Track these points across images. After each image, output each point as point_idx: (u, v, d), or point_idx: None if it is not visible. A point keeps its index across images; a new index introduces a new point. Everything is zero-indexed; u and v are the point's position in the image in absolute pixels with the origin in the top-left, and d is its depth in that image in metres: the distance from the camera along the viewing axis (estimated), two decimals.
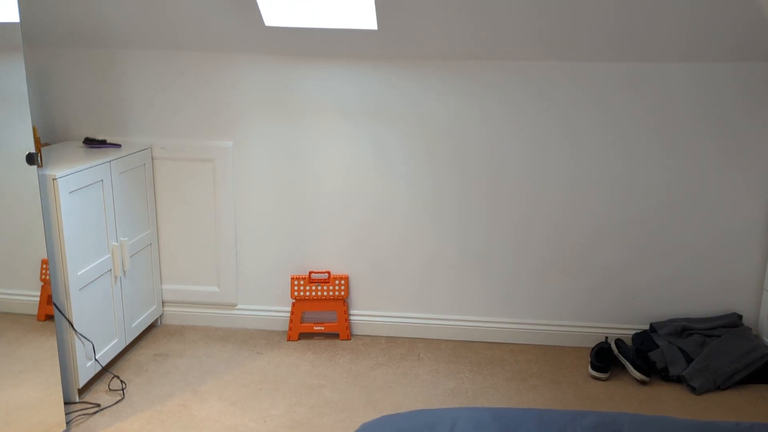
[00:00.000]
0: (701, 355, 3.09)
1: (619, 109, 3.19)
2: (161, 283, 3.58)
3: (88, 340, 2.92)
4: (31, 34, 3.25)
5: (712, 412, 2.90)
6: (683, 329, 3.24)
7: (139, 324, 3.35)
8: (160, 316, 3.61)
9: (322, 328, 3.50)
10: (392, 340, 3.51)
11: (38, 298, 2.87)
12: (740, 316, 3.31)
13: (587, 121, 3.21)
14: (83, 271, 2.88)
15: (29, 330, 2.89)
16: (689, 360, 3.11)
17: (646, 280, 3.37)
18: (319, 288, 3.47)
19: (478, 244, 3.41)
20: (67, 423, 2.75)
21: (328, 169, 3.39)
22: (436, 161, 3.32)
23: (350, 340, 3.51)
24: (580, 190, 3.30)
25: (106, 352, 3.08)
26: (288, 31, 3.10)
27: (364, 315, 3.55)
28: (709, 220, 3.28)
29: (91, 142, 3.27)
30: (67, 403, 2.84)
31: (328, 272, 3.49)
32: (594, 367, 3.16)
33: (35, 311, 2.88)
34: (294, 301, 3.48)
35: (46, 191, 2.67)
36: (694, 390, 3.03)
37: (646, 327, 3.40)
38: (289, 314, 3.55)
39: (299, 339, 3.49)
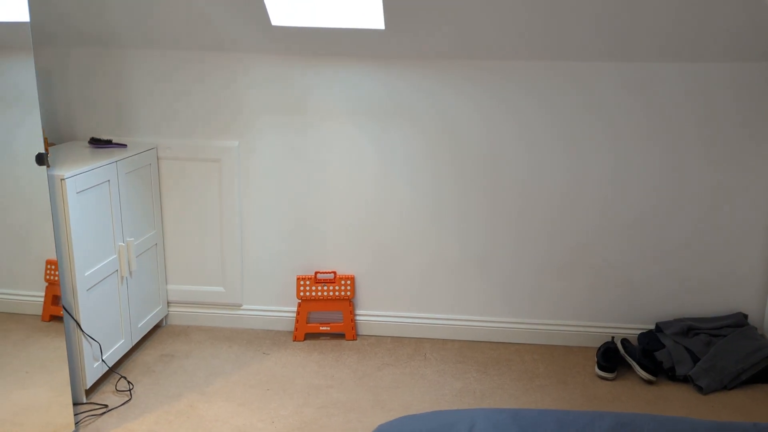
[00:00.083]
0: (708, 354, 3.10)
1: (623, 109, 3.19)
2: (166, 284, 3.57)
3: (96, 340, 2.92)
4: (35, 33, 3.24)
5: (719, 412, 2.91)
6: (689, 329, 3.25)
7: (145, 324, 3.35)
8: (166, 316, 3.60)
9: (328, 329, 3.49)
10: (398, 340, 3.51)
11: (43, 299, 2.86)
12: (746, 316, 3.32)
13: (592, 122, 3.21)
14: (90, 272, 2.88)
15: (34, 330, 2.89)
16: (696, 360, 3.11)
17: (651, 279, 3.38)
18: (325, 288, 3.47)
19: (485, 243, 3.41)
20: (76, 424, 2.74)
21: (334, 169, 3.38)
22: (442, 161, 3.32)
23: (356, 340, 3.50)
24: (586, 190, 3.30)
25: (113, 353, 3.07)
26: (295, 31, 3.09)
27: (370, 315, 3.54)
28: (714, 219, 3.28)
29: (97, 142, 3.26)
30: (74, 404, 2.83)
31: (334, 272, 3.49)
32: (601, 367, 3.16)
33: (40, 312, 2.87)
34: (300, 301, 3.47)
35: (53, 192, 2.66)
36: (700, 390, 3.03)
37: (652, 327, 3.41)
38: (294, 314, 3.54)
39: (305, 339, 3.49)
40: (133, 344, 3.26)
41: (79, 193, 2.76)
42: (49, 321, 2.87)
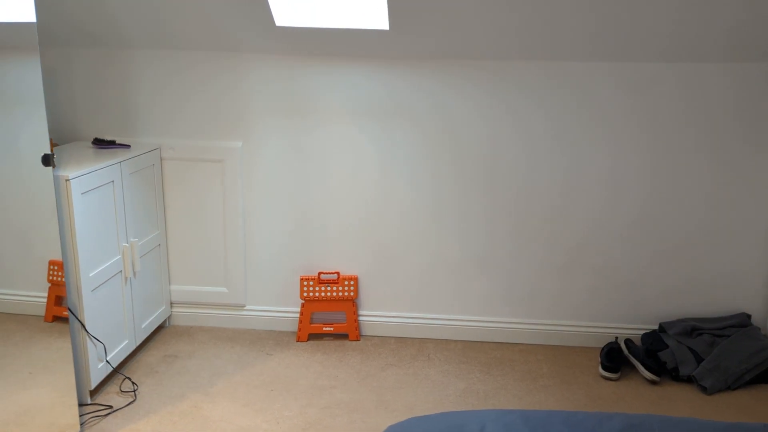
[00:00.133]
0: (711, 355, 3.10)
1: (623, 110, 3.19)
2: (169, 284, 3.57)
3: (100, 341, 2.91)
4: (40, 33, 3.23)
5: (724, 412, 2.91)
6: (692, 329, 3.26)
7: (148, 325, 3.35)
8: (169, 317, 3.60)
9: (332, 329, 3.49)
10: (401, 341, 3.51)
11: (46, 300, 2.86)
12: (749, 316, 3.32)
13: (593, 122, 3.22)
14: (95, 273, 2.87)
15: (37, 331, 2.89)
16: (699, 360, 3.12)
17: (654, 279, 3.38)
18: (329, 289, 3.47)
19: (487, 243, 3.42)
20: (81, 425, 2.74)
21: (337, 169, 3.39)
22: (445, 162, 3.33)
23: (359, 340, 3.51)
24: (587, 190, 3.30)
25: (117, 354, 3.07)
26: (298, 31, 3.09)
27: (373, 315, 3.55)
28: (717, 219, 3.29)
29: (101, 143, 3.26)
30: (79, 404, 2.82)
31: (337, 273, 3.49)
32: (604, 367, 3.17)
33: (42, 312, 2.87)
34: (303, 301, 3.47)
35: (59, 192, 2.65)
36: (704, 390, 3.04)
37: (655, 327, 3.41)
38: (297, 315, 3.54)
39: (308, 340, 3.49)
40: (137, 345, 3.26)
41: (84, 194, 2.76)
42: (52, 322, 2.88)
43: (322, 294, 3.47)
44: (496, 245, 3.41)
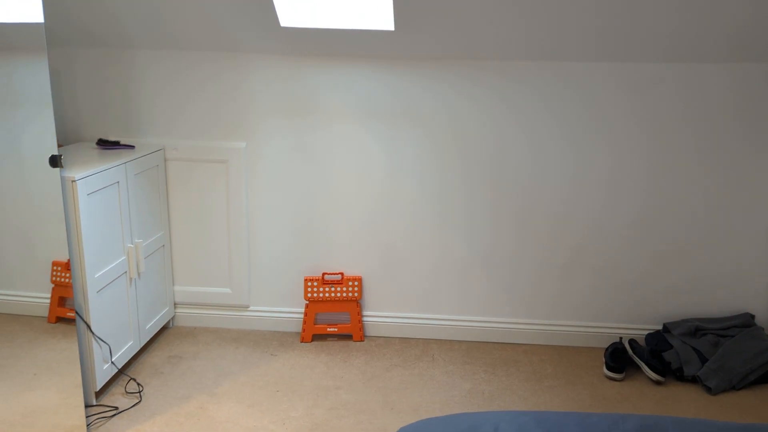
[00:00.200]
0: (716, 355, 3.11)
1: (627, 110, 3.20)
2: (173, 285, 3.56)
3: (105, 342, 2.91)
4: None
5: (729, 412, 2.92)
6: (697, 329, 3.26)
7: (152, 326, 3.34)
8: (172, 317, 3.59)
9: (336, 330, 3.49)
10: (406, 341, 3.51)
11: (49, 300, 2.86)
12: (753, 316, 3.33)
13: (598, 123, 3.22)
14: (100, 274, 2.87)
15: (41, 332, 2.88)
16: (703, 360, 3.13)
17: (659, 280, 3.39)
18: (333, 289, 3.47)
19: (491, 244, 3.42)
20: (87, 426, 2.73)
21: (341, 170, 3.38)
22: (449, 162, 3.33)
23: (363, 341, 3.50)
24: (590, 191, 3.31)
25: (122, 355, 3.06)
26: (303, 32, 3.09)
27: (377, 316, 3.55)
28: (720, 219, 3.29)
29: (105, 144, 3.25)
30: (84, 405, 2.82)
31: (341, 273, 3.49)
32: (609, 368, 3.17)
33: (46, 313, 2.86)
34: (307, 302, 3.47)
35: (65, 193, 2.65)
36: (709, 390, 3.05)
37: (659, 327, 3.42)
38: (301, 315, 3.54)
39: (312, 340, 3.49)
40: (141, 346, 3.25)
41: (90, 195, 2.76)
42: (56, 323, 2.87)
43: (327, 295, 3.47)
44: (499, 245, 3.42)
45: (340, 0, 2.94)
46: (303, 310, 3.54)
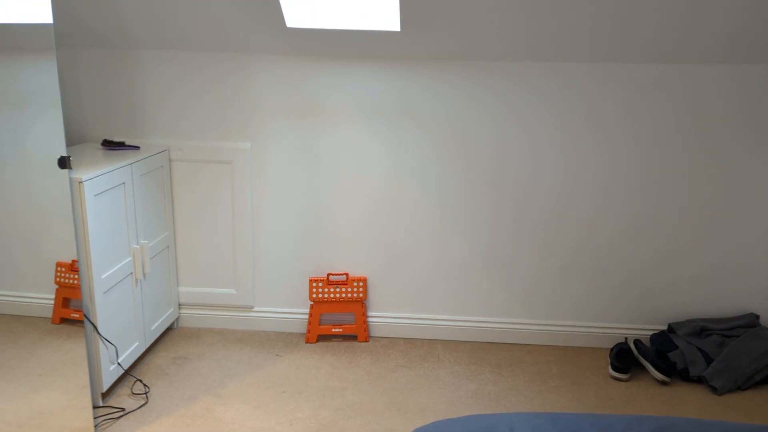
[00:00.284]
0: (721, 355, 3.12)
1: (640, 112, 3.20)
2: (178, 286, 3.56)
3: (112, 343, 2.90)
4: None
5: (735, 412, 2.93)
6: (702, 329, 3.27)
7: (157, 327, 3.34)
8: (177, 318, 3.59)
9: (341, 330, 3.49)
10: (410, 342, 3.51)
11: (53, 301, 2.85)
12: (757, 316, 3.34)
13: (609, 124, 3.22)
14: (107, 275, 2.86)
15: (45, 333, 2.87)
16: (709, 360, 3.13)
17: (663, 280, 3.40)
18: (337, 290, 3.47)
19: (496, 245, 3.42)
20: (94, 427, 2.73)
21: (346, 170, 3.38)
22: (454, 163, 3.33)
23: (368, 342, 3.50)
24: (599, 194, 3.31)
25: (128, 356, 3.06)
26: (309, 33, 3.09)
27: (381, 316, 3.55)
28: (725, 220, 3.30)
29: (110, 144, 3.24)
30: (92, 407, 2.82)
31: (346, 274, 3.49)
32: (614, 368, 3.18)
33: (50, 314, 2.86)
34: (312, 303, 3.47)
35: (72, 194, 2.64)
36: (715, 390, 3.05)
37: (664, 327, 3.43)
38: (306, 316, 3.54)
39: (317, 341, 3.49)
40: (147, 347, 3.25)
41: (97, 196, 2.75)
42: (60, 324, 2.86)
43: (331, 295, 3.47)
44: (504, 245, 3.42)
45: (347, 1, 2.94)
46: (308, 310, 3.54)
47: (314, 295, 3.46)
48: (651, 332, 3.42)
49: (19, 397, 2.72)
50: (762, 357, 3.10)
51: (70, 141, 3.41)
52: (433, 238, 3.44)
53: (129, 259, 3.03)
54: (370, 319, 3.54)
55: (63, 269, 2.80)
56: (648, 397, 3.04)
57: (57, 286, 2.82)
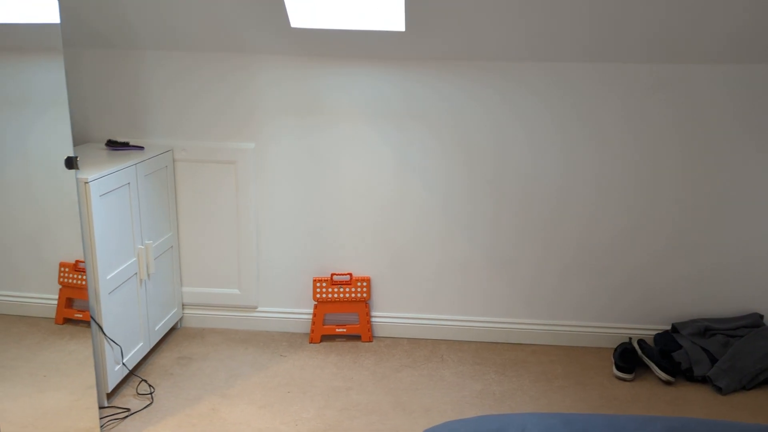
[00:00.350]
0: (726, 355, 3.12)
1: (641, 112, 3.20)
2: (181, 286, 3.56)
3: (117, 344, 2.90)
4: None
5: (740, 412, 2.93)
6: (706, 329, 3.28)
7: (161, 327, 3.33)
8: (180, 319, 3.58)
9: (345, 330, 3.49)
10: (414, 342, 3.51)
11: (56, 302, 2.84)
12: (761, 316, 3.35)
13: (612, 124, 3.23)
14: (112, 275, 2.86)
15: (48, 334, 2.87)
16: (713, 360, 3.14)
17: (666, 280, 3.40)
18: (341, 290, 3.47)
19: (500, 245, 3.42)
20: (100, 428, 2.72)
21: (350, 170, 3.38)
22: (458, 163, 3.33)
23: (372, 342, 3.50)
24: (602, 193, 3.31)
25: (132, 356, 3.05)
26: (314, 33, 3.09)
27: (385, 316, 3.55)
28: (728, 219, 3.30)
29: (114, 144, 3.24)
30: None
31: (350, 274, 3.49)
32: (619, 368, 3.18)
33: (53, 314, 2.85)
34: (316, 303, 3.47)
35: (77, 194, 2.64)
36: (720, 390, 3.06)
37: (667, 327, 3.43)
38: (310, 316, 3.54)
39: (321, 341, 3.49)
40: (151, 347, 3.24)
41: (102, 196, 2.75)
42: (63, 324, 2.86)
43: (335, 295, 3.47)
44: (508, 247, 3.42)
45: (351, 1, 2.94)
46: (312, 310, 3.54)
47: (318, 295, 3.46)
48: (654, 332, 3.43)
49: (24, 397, 2.72)
50: (767, 356, 3.10)
51: (74, 141, 3.40)
52: (436, 238, 3.44)
53: (134, 259, 3.03)
54: (373, 319, 3.54)
55: (66, 269, 2.79)
56: (653, 397, 3.04)
57: (60, 287, 2.82)
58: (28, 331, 2.87)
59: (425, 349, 3.45)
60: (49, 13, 2.28)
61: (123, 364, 2.96)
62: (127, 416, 2.83)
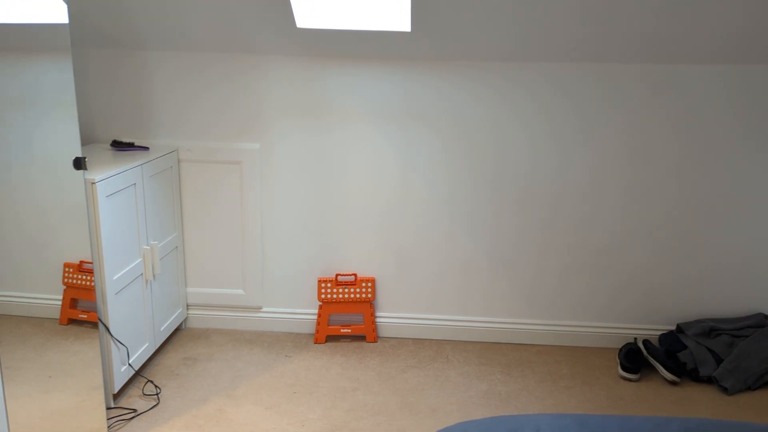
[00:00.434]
0: (731, 355, 3.12)
1: (641, 112, 3.21)
2: (186, 286, 3.55)
3: (123, 344, 2.90)
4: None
5: (746, 412, 2.94)
6: (711, 330, 3.28)
7: (166, 328, 3.33)
8: (185, 319, 3.58)
9: (349, 331, 3.49)
10: (419, 342, 3.51)
11: (60, 302, 2.84)
12: (766, 316, 3.35)
13: (612, 124, 3.23)
14: (118, 276, 2.86)
15: (53, 334, 2.86)
16: (718, 360, 3.14)
17: (671, 280, 3.40)
18: (346, 290, 3.47)
19: (504, 245, 3.42)
20: (107, 429, 2.72)
21: (355, 171, 3.38)
22: (463, 164, 3.33)
23: (377, 342, 3.50)
24: (606, 192, 3.32)
25: (138, 357, 3.05)
26: (320, 33, 3.08)
27: (390, 317, 3.55)
28: (731, 220, 3.31)
29: (119, 145, 3.23)
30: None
31: (355, 274, 3.49)
32: (624, 368, 3.18)
33: (57, 315, 2.85)
34: (321, 303, 3.47)
35: (84, 195, 2.63)
36: (725, 390, 3.06)
37: (672, 327, 3.43)
38: (314, 317, 3.54)
39: (326, 342, 3.48)
40: (156, 348, 3.24)
41: (108, 197, 2.75)
42: (67, 324, 2.85)
43: (340, 296, 3.47)
44: (512, 247, 3.42)
45: (357, 1, 2.94)
46: (316, 311, 3.54)
47: (323, 296, 3.46)
48: (659, 332, 3.43)
49: (30, 398, 2.71)
50: None
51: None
52: (442, 239, 3.44)
53: (139, 260, 3.03)
54: (378, 320, 3.54)
55: (71, 270, 2.79)
56: (658, 397, 3.04)
57: (65, 287, 2.81)
58: (33, 331, 2.86)
59: (430, 349, 3.45)
60: (58, 14, 2.28)
61: (129, 364, 2.95)
62: (133, 417, 2.82)
